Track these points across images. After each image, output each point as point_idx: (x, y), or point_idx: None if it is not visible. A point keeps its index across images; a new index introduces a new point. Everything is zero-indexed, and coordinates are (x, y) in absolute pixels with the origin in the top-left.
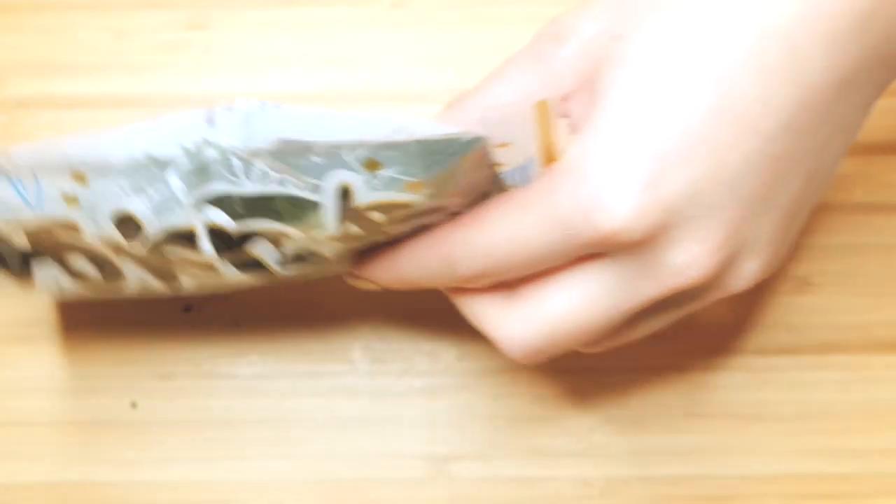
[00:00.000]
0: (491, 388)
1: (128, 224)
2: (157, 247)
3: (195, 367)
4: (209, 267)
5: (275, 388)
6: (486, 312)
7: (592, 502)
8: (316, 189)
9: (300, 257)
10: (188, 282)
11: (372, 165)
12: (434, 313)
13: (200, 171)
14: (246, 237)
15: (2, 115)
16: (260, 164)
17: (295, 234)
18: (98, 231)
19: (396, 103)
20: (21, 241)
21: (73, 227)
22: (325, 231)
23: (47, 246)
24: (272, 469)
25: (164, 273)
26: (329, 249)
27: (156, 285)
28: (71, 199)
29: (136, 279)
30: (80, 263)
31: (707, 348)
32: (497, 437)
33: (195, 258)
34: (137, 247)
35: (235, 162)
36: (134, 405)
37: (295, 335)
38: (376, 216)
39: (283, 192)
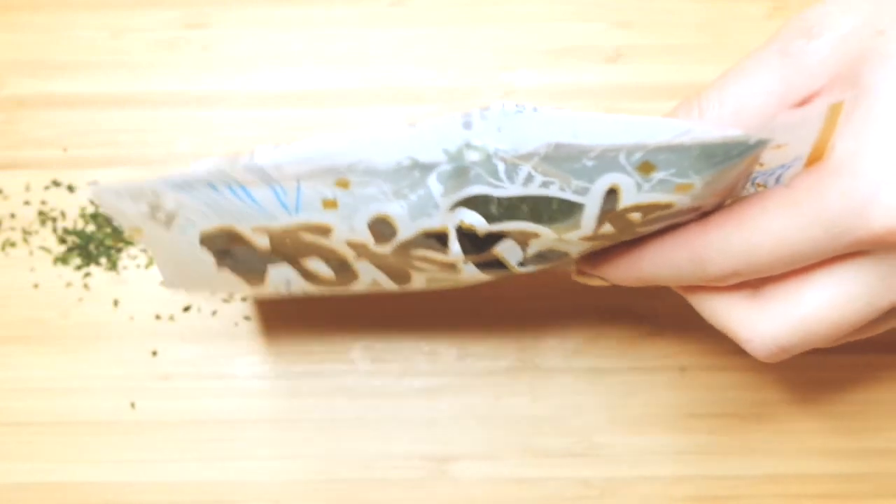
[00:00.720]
0: (491, 388)
1: (381, 226)
2: (403, 248)
3: (195, 367)
4: (450, 266)
5: (275, 388)
6: (731, 311)
7: (592, 502)
8: (583, 192)
9: (541, 256)
10: (419, 280)
11: (647, 168)
12: (434, 313)
13: (460, 174)
14: (493, 237)
15: (1, 114)
16: (527, 168)
17: (546, 235)
18: (350, 234)
19: (396, 102)
20: (263, 244)
21: (324, 230)
22: (580, 232)
23: (286, 247)
24: (272, 469)
25: (399, 272)
26: (575, 248)
27: (386, 284)
28: (330, 204)
29: (368, 279)
30: (315, 264)
31: (707, 348)
32: (497, 437)
33: (439, 258)
34: (384, 248)
35: (500, 165)
36: (133, 405)
37: (295, 335)
38: (634, 216)
39: (546, 195)
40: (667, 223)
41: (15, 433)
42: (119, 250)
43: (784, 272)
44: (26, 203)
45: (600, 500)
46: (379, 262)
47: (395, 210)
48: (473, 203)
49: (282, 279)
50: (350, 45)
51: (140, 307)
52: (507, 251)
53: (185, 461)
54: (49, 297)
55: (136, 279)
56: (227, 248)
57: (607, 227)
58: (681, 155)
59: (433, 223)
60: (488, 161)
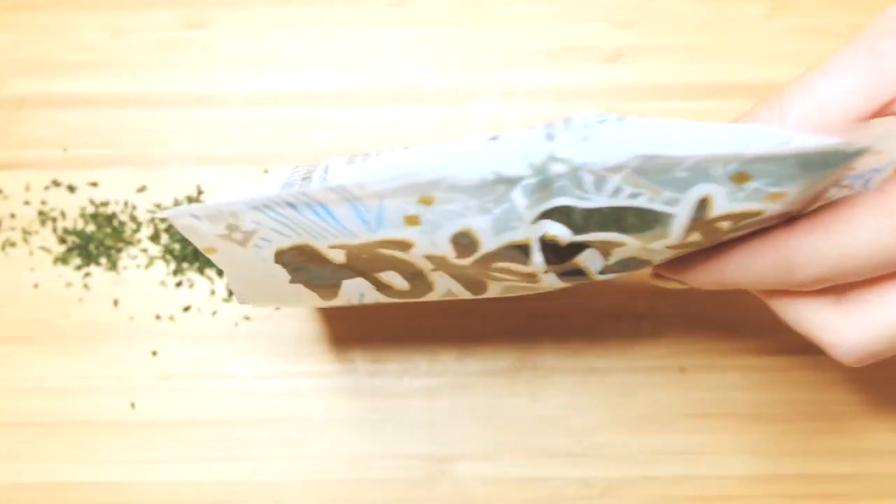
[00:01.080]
0: (491, 388)
1: (463, 240)
2: (485, 260)
3: (195, 367)
4: (530, 276)
5: (275, 388)
6: (816, 316)
7: (592, 502)
8: (674, 202)
9: (623, 264)
10: (495, 289)
11: (741, 178)
12: (434, 313)
13: (544, 186)
14: (576, 247)
15: (1, 114)
16: (615, 179)
17: (631, 244)
18: (431, 248)
19: (396, 102)
20: (338, 259)
21: (405, 245)
22: (667, 241)
23: (362, 261)
24: (272, 469)
25: (475, 283)
26: (659, 256)
27: (461, 294)
28: (412, 220)
29: (443, 289)
30: (391, 277)
31: (707, 348)
32: (497, 437)
33: (520, 269)
34: (465, 261)
35: (587, 177)
36: (133, 405)
37: (295, 335)
38: (724, 225)
39: (634, 206)
40: (753, 228)
41: (15, 433)
42: (119, 250)
43: (872, 277)
44: (26, 203)
45: (600, 500)
46: (456, 273)
47: (479, 224)
48: (557, 214)
49: (355, 292)
50: (350, 45)
51: (140, 307)
52: (589, 260)
53: (185, 461)
54: (49, 297)
55: (136, 279)
56: (302, 264)
57: (695, 236)
58: (777, 164)
59: (517, 236)
60: (574, 173)
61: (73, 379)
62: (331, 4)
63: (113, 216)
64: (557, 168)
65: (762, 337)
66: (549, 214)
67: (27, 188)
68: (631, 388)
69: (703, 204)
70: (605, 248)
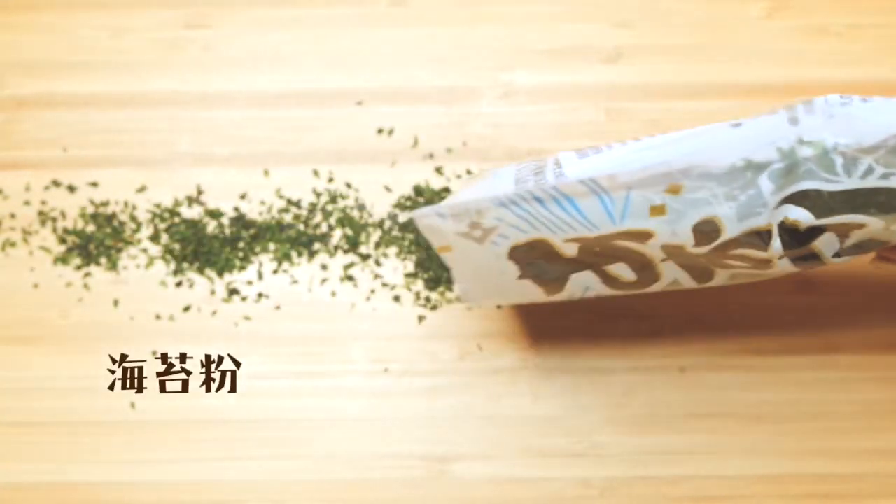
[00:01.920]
0: (491, 388)
1: (707, 228)
2: (723, 247)
3: (195, 367)
4: (765, 262)
5: (275, 388)
6: None
7: (592, 502)
8: None
9: (859, 246)
10: (721, 277)
11: None
12: (434, 313)
13: (790, 170)
14: (814, 231)
15: (1, 114)
16: (867, 160)
17: (874, 225)
18: (671, 238)
19: (396, 102)
20: (570, 252)
21: (645, 236)
22: None
23: (593, 254)
24: (272, 469)
25: (703, 271)
26: None
27: (686, 283)
28: (658, 210)
29: (669, 279)
30: (619, 268)
31: (707, 348)
32: (497, 437)
33: (756, 255)
34: (702, 249)
35: (837, 160)
36: (133, 405)
37: (295, 335)
38: None
39: (885, 186)
40: None
41: (15, 433)
42: (119, 250)
43: None
44: (26, 203)
45: (600, 500)
46: (685, 262)
47: (724, 212)
48: (800, 199)
49: (580, 285)
50: (350, 45)
51: (140, 307)
52: (825, 244)
53: (186, 461)
54: (49, 297)
55: (136, 279)
56: (534, 259)
57: None
58: None
59: (759, 222)
60: (824, 156)
61: (73, 379)
62: (331, 4)
63: (113, 216)
64: (805, 152)
65: (762, 337)
66: (791, 199)
67: (27, 188)
68: (631, 388)
69: None
70: (843, 231)
